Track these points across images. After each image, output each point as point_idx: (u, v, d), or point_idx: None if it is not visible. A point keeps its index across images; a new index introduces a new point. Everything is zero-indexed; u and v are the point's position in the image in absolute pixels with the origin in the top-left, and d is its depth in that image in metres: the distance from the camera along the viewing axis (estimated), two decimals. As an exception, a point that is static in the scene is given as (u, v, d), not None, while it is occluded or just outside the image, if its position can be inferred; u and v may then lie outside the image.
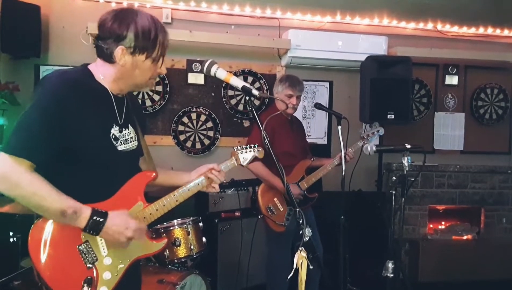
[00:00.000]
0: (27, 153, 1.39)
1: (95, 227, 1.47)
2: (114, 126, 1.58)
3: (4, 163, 1.38)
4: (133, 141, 1.67)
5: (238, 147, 1.94)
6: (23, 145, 1.40)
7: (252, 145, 1.96)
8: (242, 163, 1.93)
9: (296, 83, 3.20)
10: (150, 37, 1.53)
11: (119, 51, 1.51)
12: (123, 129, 1.62)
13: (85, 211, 1.45)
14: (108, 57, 1.54)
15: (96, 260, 1.52)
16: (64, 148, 1.45)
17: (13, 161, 1.37)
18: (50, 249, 1.47)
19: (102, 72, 1.57)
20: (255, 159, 2.94)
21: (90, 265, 1.51)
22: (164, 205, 1.70)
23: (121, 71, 1.56)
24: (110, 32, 1.51)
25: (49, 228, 1.48)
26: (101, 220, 1.47)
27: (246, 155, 1.93)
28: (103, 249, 1.54)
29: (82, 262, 1.50)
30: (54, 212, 1.42)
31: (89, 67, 1.60)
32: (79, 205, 1.45)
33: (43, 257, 1.46)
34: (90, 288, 1.48)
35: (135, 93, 4.08)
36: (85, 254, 1.51)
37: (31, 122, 1.41)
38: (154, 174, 1.70)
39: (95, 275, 1.51)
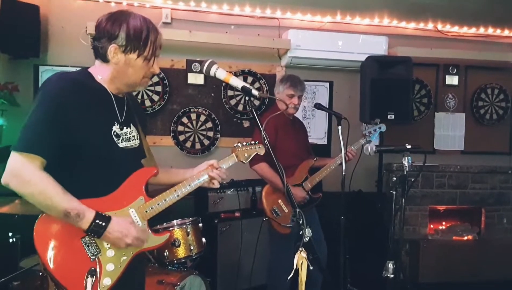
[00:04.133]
0: (38, 149, 1.46)
1: (96, 231, 1.53)
2: (115, 124, 1.65)
3: (16, 160, 1.45)
4: (135, 139, 1.73)
5: (239, 144, 1.94)
6: (32, 142, 1.46)
7: (253, 142, 1.95)
8: (243, 160, 1.91)
9: (298, 83, 3.19)
10: (142, 37, 1.61)
11: (111, 49, 1.59)
12: (124, 127, 1.68)
13: (88, 215, 1.51)
14: (103, 57, 1.63)
15: (99, 252, 1.57)
16: (67, 145, 1.51)
17: (25, 158, 1.45)
18: (55, 241, 1.53)
19: (100, 73, 1.65)
20: (256, 156, 2.92)
21: (94, 257, 1.56)
22: (165, 200, 1.73)
23: (115, 69, 1.63)
24: (104, 32, 1.60)
25: (53, 221, 1.53)
26: (103, 224, 1.53)
27: (247, 152, 1.92)
28: (106, 242, 1.59)
29: (86, 254, 1.55)
30: (59, 211, 1.48)
31: (89, 69, 1.68)
32: (82, 207, 1.50)
33: (49, 250, 1.51)
34: (93, 279, 1.52)
35: (134, 93, 4.11)
36: (88, 246, 1.56)
37: (37, 121, 1.48)
38: (155, 170, 1.75)
39: (98, 266, 1.55)
